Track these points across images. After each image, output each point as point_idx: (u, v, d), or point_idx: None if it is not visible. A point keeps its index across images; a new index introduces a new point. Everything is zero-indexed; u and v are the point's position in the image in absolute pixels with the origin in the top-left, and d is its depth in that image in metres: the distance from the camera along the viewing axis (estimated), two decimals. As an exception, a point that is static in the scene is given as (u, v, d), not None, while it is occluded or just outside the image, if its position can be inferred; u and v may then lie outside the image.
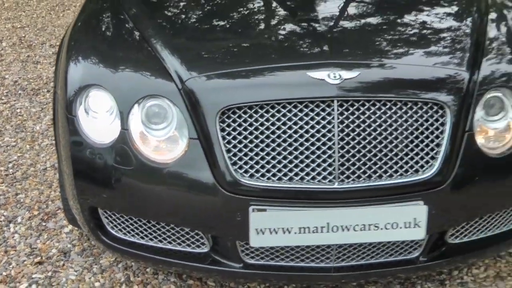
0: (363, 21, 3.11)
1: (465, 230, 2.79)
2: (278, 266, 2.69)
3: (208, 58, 2.82)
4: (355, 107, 2.51)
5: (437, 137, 2.56)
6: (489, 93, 2.70)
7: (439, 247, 2.75)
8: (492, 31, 3.01)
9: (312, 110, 2.50)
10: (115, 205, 2.73)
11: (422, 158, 2.55)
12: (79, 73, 2.82)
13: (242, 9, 3.27)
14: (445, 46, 2.89)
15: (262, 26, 3.08)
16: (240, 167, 2.51)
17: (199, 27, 3.09)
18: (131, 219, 2.75)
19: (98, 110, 2.70)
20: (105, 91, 2.68)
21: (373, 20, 3.14)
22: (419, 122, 2.55)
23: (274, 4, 3.31)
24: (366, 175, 2.51)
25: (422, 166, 2.55)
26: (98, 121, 2.69)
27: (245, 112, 2.52)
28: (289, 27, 3.08)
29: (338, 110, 2.50)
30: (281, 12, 3.24)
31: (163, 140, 2.62)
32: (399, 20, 3.16)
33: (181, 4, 3.39)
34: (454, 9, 3.34)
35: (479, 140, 2.65)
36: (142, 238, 2.77)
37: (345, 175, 2.50)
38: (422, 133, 2.55)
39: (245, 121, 2.51)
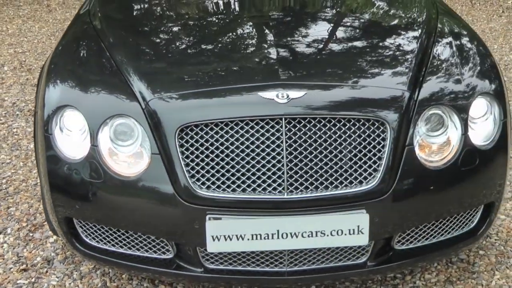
0: (311, 44, 3.36)
1: (410, 237, 3.00)
2: (236, 271, 2.91)
3: (169, 81, 3.05)
4: (302, 124, 2.74)
5: (378, 151, 2.78)
6: (429, 110, 2.92)
7: (386, 253, 2.96)
8: (437, 52, 3.24)
9: (262, 127, 2.73)
10: (87, 216, 2.96)
11: (365, 170, 2.77)
12: (56, 95, 3.07)
13: (202, 36, 3.52)
14: (388, 67, 3.13)
15: (219, 50, 3.31)
16: (198, 180, 2.74)
17: (164, 53, 3.34)
18: (103, 228, 2.99)
19: (72, 129, 2.95)
20: (77, 111, 2.93)
21: (321, 43, 3.37)
22: (361, 138, 2.77)
23: (231, 30, 3.58)
24: (313, 186, 2.74)
25: (365, 178, 2.77)
26: (71, 139, 2.94)
27: (201, 130, 2.75)
28: (244, 51, 3.33)
29: (286, 127, 2.73)
30: (236, 37, 3.49)
31: (129, 156, 2.86)
32: (346, 42, 3.40)
33: (152, 32, 3.65)
34: (403, 30, 3.60)
35: (420, 153, 2.86)
36: (113, 245, 3.01)
37: (293, 186, 2.73)
38: (365, 147, 2.77)
39: (201, 137, 2.75)
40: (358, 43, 3.41)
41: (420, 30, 3.43)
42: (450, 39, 3.37)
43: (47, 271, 3.46)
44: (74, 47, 3.50)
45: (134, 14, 3.97)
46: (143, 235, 2.93)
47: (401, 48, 3.35)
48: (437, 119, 2.93)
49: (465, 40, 3.46)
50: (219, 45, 3.37)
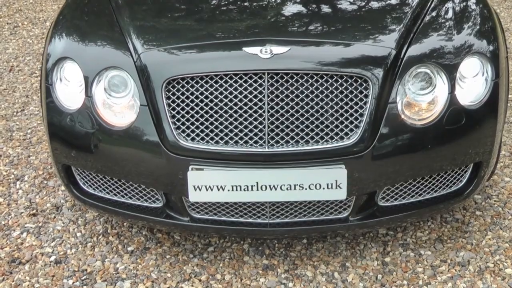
0: (298, 1, 3.39)
1: (395, 193, 3.03)
2: (221, 221, 3.01)
3: (160, 36, 3.14)
4: (284, 80, 2.80)
5: (360, 107, 2.82)
6: (417, 68, 2.93)
7: (370, 208, 3.01)
8: (433, 10, 3.23)
9: (245, 82, 2.80)
10: (83, 164, 3.10)
11: (346, 126, 2.82)
12: (59, 47, 3.20)
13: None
14: (377, 24, 3.16)
15: (208, 9, 3.39)
16: (183, 131, 2.84)
17: (160, 11, 3.39)
18: (98, 176, 3.12)
19: (70, 79, 3.08)
20: (76, 63, 3.05)
21: (307, 4, 3.39)
22: (344, 94, 2.82)
23: None
24: (294, 140, 2.81)
25: (346, 134, 2.82)
26: (69, 89, 3.07)
27: (187, 83, 2.84)
28: (233, 8, 3.42)
29: (268, 82, 2.79)
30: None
31: (122, 107, 2.97)
32: (335, 5, 3.41)
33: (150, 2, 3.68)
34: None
35: (405, 111, 2.89)
36: (108, 193, 3.15)
37: (274, 140, 2.80)
38: (346, 104, 2.82)
39: (187, 90, 2.84)
40: (345, 0, 3.42)
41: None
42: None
43: (54, 217, 3.63)
44: (84, 1, 3.62)
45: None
46: (134, 184, 3.05)
47: (393, 5, 3.36)
48: (424, 77, 2.94)
49: (468, 1, 3.42)
50: (209, 3, 3.46)
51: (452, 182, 3.11)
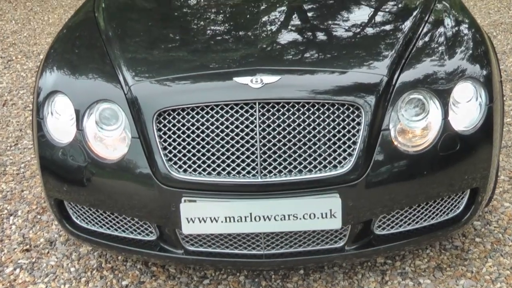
0: (288, 28, 3.45)
1: (391, 221, 3.04)
2: (215, 253, 3.02)
3: (150, 68, 3.15)
4: (275, 109, 2.82)
5: (353, 135, 2.84)
6: (409, 94, 2.95)
7: (366, 237, 3.01)
8: (425, 36, 3.25)
9: (236, 112, 2.82)
10: (75, 198, 3.11)
11: (339, 155, 2.83)
12: (50, 80, 3.23)
13: (182, 27, 3.61)
14: (368, 50, 3.17)
15: (197, 38, 3.41)
16: (175, 163, 2.85)
17: (150, 42, 3.42)
18: (91, 210, 3.13)
19: (61, 113, 3.10)
20: (66, 97, 3.08)
21: (297, 27, 3.47)
22: (336, 122, 2.83)
23: (208, 19, 3.68)
24: (287, 170, 2.82)
25: (339, 162, 2.83)
26: (60, 123, 3.09)
27: (178, 114, 2.86)
28: (223, 37, 3.45)
29: (259, 111, 2.81)
30: (214, 24, 3.61)
31: (113, 140, 2.99)
32: (325, 26, 3.48)
33: (145, 25, 3.74)
34: (390, 12, 3.65)
35: (398, 138, 2.90)
36: (101, 227, 3.15)
37: (267, 170, 2.81)
38: (339, 132, 2.83)
39: (178, 121, 2.86)
40: (337, 27, 3.45)
41: (410, 13, 3.45)
42: (445, 23, 3.37)
43: (48, 252, 3.64)
44: (75, 34, 3.65)
45: (134, 7, 4.09)
46: (127, 217, 3.06)
47: (385, 31, 3.38)
48: (417, 103, 2.96)
49: (460, 26, 3.46)
50: (198, 33, 3.50)
51: (450, 209, 3.11)
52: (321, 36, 3.41)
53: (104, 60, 3.21)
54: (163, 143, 2.86)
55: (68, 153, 3.03)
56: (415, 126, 2.94)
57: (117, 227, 3.12)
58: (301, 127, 2.82)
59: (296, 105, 2.83)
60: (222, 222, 2.84)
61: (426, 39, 3.24)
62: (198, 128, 2.84)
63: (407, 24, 3.34)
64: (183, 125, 2.85)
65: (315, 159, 2.82)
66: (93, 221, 3.16)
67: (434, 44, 3.22)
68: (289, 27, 3.48)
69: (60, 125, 3.09)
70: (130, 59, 3.17)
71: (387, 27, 3.45)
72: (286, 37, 3.36)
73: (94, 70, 3.21)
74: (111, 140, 2.99)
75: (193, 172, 2.84)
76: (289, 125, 2.81)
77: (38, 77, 3.29)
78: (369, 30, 3.43)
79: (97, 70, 3.19)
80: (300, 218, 2.83)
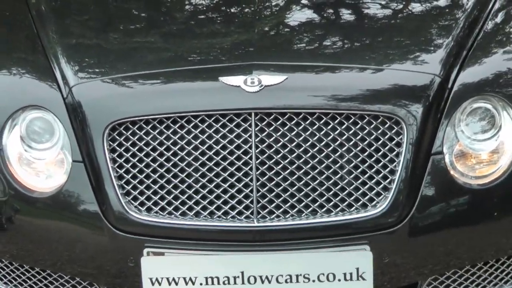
0: (302, 7, 3.47)
1: (445, 286, 2.97)
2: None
3: (102, 62, 3.11)
4: (279, 122, 2.74)
5: (391, 161, 2.77)
6: (472, 103, 2.89)
7: (410, 307, 2.93)
8: (496, 16, 3.29)
9: (223, 126, 2.74)
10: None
11: (370, 189, 2.77)
12: None
13: (149, 9, 3.62)
14: (412, 40, 3.19)
15: (168, 27, 3.43)
16: (134, 198, 2.78)
17: (103, 20, 3.43)
18: (11, 265, 3.02)
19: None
20: None
21: (315, 6, 3.45)
22: (365, 142, 2.76)
23: (186, 2, 3.68)
24: (295, 210, 2.76)
25: (370, 200, 2.77)
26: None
27: (140, 128, 2.78)
28: (206, 21, 3.45)
29: (256, 125, 2.75)
30: (193, 8, 3.66)
31: (45, 163, 2.89)
32: (354, 5, 3.48)
33: (91, 7, 3.72)
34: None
35: (456, 165, 2.84)
36: (26, 290, 3.08)
37: (266, 210, 2.75)
38: (370, 156, 2.76)
39: (140, 139, 2.78)
40: (368, 7, 3.48)
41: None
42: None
43: None
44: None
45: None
46: (65, 276, 2.96)
47: (436, 12, 3.37)
48: (483, 116, 2.90)
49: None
50: (173, 14, 3.52)
51: None
52: (342, 19, 3.40)
53: (34, 47, 3.17)
54: (117, 169, 2.79)
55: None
56: (481, 149, 2.87)
57: None
58: (315, 149, 2.76)
59: (308, 117, 2.77)
60: (201, 284, 2.77)
61: (497, 23, 3.23)
62: (168, 149, 2.77)
63: (466, 15, 3.31)
64: (147, 144, 2.79)
65: (335, 194, 2.76)
66: (13, 281, 3.08)
67: (503, 32, 3.20)
68: (300, 5, 3.45)
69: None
70: (72, 46, 3.14)
71: (440, 6, 3.43)
72: (292, 19, 3.35)
73: (18, 62, 3.18)
74: (43, 164, 2.91)
75: (160, 212, 2.78)
76: (298, 147, 2.74)
77: None
78: (412, 11, 3.41)
79: (22, 62, 3.17)
80: (314, 280, 2.76)
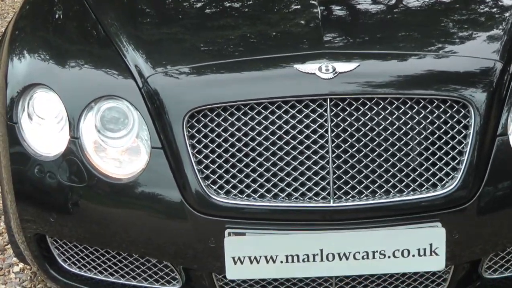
0: (365, 3, 3.65)
1: (506, 261, 3.19)
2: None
3: (176, 51, 3.32)
4: (353, 107, 2.97)
5: (459, 143, 3.00)
6: None
7: (472, 283, 3.18)
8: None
9: (300, 112, 2.96)
10: (66, 233, 3.21)
11: (440, 169, 2.99)
12: (23, 71, 3.33)
13: None
14: (472, 28, 3.40)
15: (244, 12, 3.61)
16: (214, 182, 2.99)
17: (171, 14, 3.62)
18: (86, 249, 3.24)
19: (44, 115, 3.20)
20: (52, 92, 3.18)
21: (377, 2, 3.64)
22: (435, 125, 2.99)
23: None
24: (369, 190, 2.97)
25: (440, 179, 2.99)
26: (44, 129, 3.20)
27: (218, 115, 2.99)
28: (275, 11, 3.61)
29: (332, 111, 2.96)
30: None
31: (121, 151, 3.11)
32: (413, 3, 3.64)
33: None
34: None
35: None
36: (101, 273, 3.27)
37: (342, 191, 2.96)
38: (439, 138, 2.99)
39: (218, 125, 2.99)
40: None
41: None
42: None
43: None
44: (47, 7, 3.76)
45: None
46: (140, 258, 3.17)
47: (493, 4, 3.59)
48: None
49: None
50: (244, 5, 3.66)
51: None
52: (407, 8, 3.59)
53: (100, 40, 3.37)
54: (197, 155, 2.99)
55: (57, 170, 3.13)
56: None
57: (125, 273, 3.23)
58: (388, 132, 2.97)
59: (381, 102, 2.98)
60: (282, 262, 2.96)
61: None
62: (246, 134, 2.97)
63: None
64: (225, 130, 2.99)
65: (407, 175, 2.97)
66: (89, 264, 3.27)
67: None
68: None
69: (44, 132, 3.19)
70: (142, 39, 3.32)
71: (491, 4, 3.64)
72: (361, 8, 3.55)
73: (87, 54, 3.36)
74: (118, 152, 3.12)
75: (239, 195, 2.98)
76: (371, 130, 2.96)
77: (4, 68, 3.37)
78: (466, 7, 3.60)
79: (91, 55, 3.35)
80: (390, 257, 2.97)
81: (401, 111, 2.98)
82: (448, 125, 3.00)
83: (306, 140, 2.96)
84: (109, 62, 3.25)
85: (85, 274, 3.30)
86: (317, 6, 3.39)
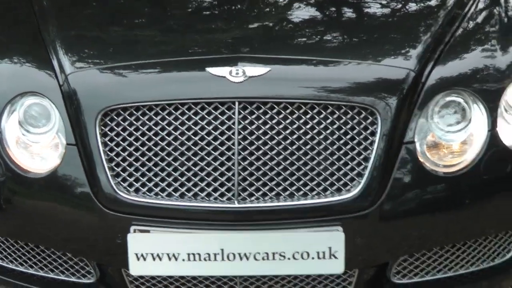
0: (287, 4, 3.73)
1: (415, 267, 3.26)
2: (175, 303, 3.27)
3: (98, 51, 3.43)
4: (261, 111, 3.06)
5: (365, 149, 3.08)
6: (445, 96, 3.18)
7: (381, 286, 3.26)
8: (472, 18, 3.54)
9: (209, 114, 3.06)
10: (-14, 226, 3.32)
11: (345, 174, 3.08)
12: None
13: (143, 4, 3.92)
14: (386, 37, 3.50)
15: (161, 18, 3.72)
16: (123, 180, 3.10)
17: (99, 16, 3.74)
18: (7, 242, 3.35)
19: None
20: None
21: (300, 4, 3.73)
22: (341, 131, 3.07)
23: None
24: (273, 193, 3.07)
25: (344, 185, 3.07)
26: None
27: (130, 115, 3.10)
28: (194, 16, 3.75)
29: (239, 114, 3.05)
30: (185, 5, 3.91)
31: (41, 146, 3.22)
32: (336, 3, 3.73)
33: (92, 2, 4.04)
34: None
35: (426, 154, 3.14)
36: (21, 264, 3.38)
37: (247, 193, 3.06)
38: (345, 144, 3.07)
39: (130, 125, 3.09)
40: (348, 5, 3.73)
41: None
42: (488, 9, 3.64)
43: None
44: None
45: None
46: (57, 252, 3.29)
47: (414, 10, 3.68)
48: (455, 109, 3.17)
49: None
50: (164, 10, 3.79)
51: (497, 253, 3.31)
52: (322, 15, 3.70)
53: (34, 38, 3.47)
54: (108, 152, 3.10)
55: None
56: (452, 139, 3.15)
57: (43, 265, 3.34)
58: (294, 136, 3.06)
59: (289, 107, 3.06)
60: (183, 260, 3.05)
61: (471, 22, 3.51)
62: (156, 134, 3.07)
63: (443, 12, 3.57)
64: (136, 129, 3.09)
65: (311, 179, 3.06)
66: (8, 257, 3.39)
67: (482, 30, 3.50)
68: (285, 1, 3.75)
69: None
70: (69, 38, 3.43)
71: (422, 5, 3.70)
72: (276, 14, 3.63)
73: (18, 51, 3.48)
74: (39, 147, 3.21)
75: (147, 193, 3.09)
76: (278, 134, 3.05)
77: None
78: (390, 8, 3.70)
79: (22, 52, 3.46)
80: (289, 258, 3.05)
81: (308, 116, 3.06)
82: (355, 131, 3.07)
83: (214, 142, 3.05)
84: (38, 62, 3.36)
85: (6, 266, 3.41)
86: (237, 13, 3.56)
